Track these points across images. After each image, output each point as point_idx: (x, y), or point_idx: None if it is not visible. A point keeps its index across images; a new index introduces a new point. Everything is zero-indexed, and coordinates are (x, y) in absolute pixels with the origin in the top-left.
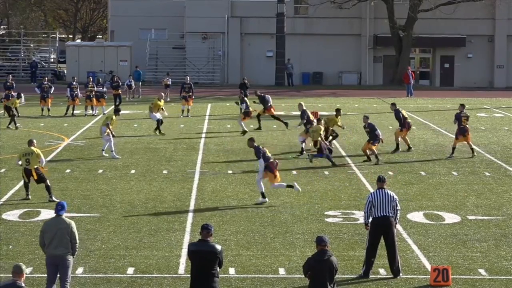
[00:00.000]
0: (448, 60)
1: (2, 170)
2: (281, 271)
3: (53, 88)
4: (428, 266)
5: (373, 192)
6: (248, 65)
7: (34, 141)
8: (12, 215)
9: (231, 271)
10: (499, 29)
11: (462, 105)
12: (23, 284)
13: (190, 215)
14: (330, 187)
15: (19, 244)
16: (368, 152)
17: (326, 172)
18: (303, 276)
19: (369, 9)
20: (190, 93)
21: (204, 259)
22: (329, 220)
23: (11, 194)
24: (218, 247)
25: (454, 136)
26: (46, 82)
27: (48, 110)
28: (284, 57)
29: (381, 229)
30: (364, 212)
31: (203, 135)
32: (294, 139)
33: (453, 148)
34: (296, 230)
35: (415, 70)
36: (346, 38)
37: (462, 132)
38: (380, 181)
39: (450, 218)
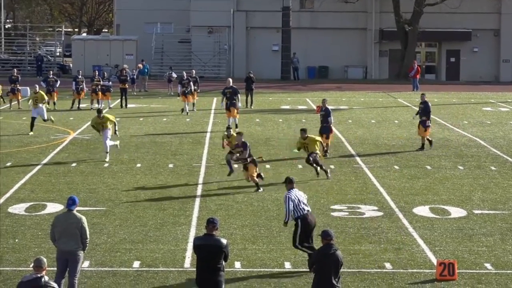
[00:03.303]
0: (454, 54)
1: (8, 164)
2: (287, 265)
3: (58, 82)
4: (434, 260)
5: (289, 193)
6: (254, 59)
7: None
8: (18, 209)
9: (237, 265)
10: (505, 23)
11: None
12: (46, 278)
13: (196, 209)
14: (336, 181)
15: (25, 238)
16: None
17: (332, 166)
18: (309, 270)
19: (375, 3)
20: (195, 87)
21: (210, 253)
22: (335, 214)
23: (17, 188)
24: (224, 241)
25: (461, 131)
26: (51, 76)
27: (54, 103)
28: (289, 51)
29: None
30: (287, 212)
31: (209, 128)
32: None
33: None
34: None
35: (421, 64)
36: (352, 32)
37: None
38: (291, 182)
39: (456, 212)
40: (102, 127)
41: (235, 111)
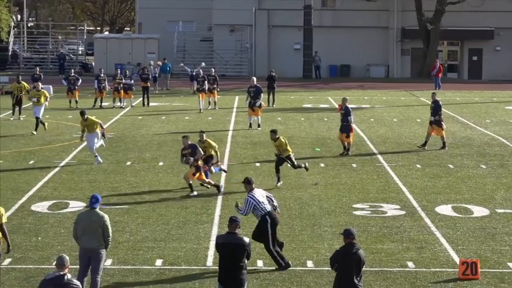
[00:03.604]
0: (476, 53)
1: (31, 162)
2: (309, 263)
3: (80, 80)
4: (457, 260)
5: (252, 195)
6: (276, 58)
7: None
8: (41, 207)
9: (259, 263)
10: None
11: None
12: (69, 276)
13: (218, 207)
14: (358, 180)
15: (47, 236)
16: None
17: (354, 165)
18: (331, 268)
19: (397, 1)
20: (215, 85)
21: (232, 251)
22: (357, 213)
23: (40, 186)
24: (246, 239)
25: (483, 129)
26: (73, 74)
27: (76, 102)
28: (311, 49)
29: (274, 222)
30: (246, 212)
31: (231, 127)
32: (321, 132)
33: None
34: (324, 223)
35: (443, 63)
36: (374, 31)
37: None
38: (249, 183)
39: (479, 211)
40: (88, 130)
41: (259, 110)
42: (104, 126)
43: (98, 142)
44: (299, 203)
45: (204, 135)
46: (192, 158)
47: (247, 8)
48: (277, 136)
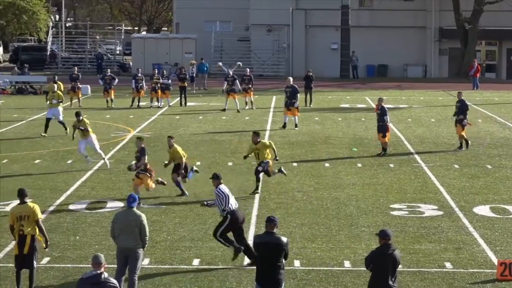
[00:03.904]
0: None
1: (69, 162)
2: (346, 263)
3: (116, 80)
4: (495, 260)
5: (221, 190)
6: (313, 58)
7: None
8: (79, 206)
9: (296, 263)
10: None
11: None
12: (106, 275)
13: (255, 207)
14: (396, 180)
15: (85, 235)
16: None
17: (392, 165)
18: (366, 268)
19: (434, 1)
20: (250, 85)
21: (270, 251)
22: (395, 213)
23: (78, 186)
24: (284, 239)
25: None
26: (108, 74)
27: (112, 101)
28: (348, 49)
29: (235, 221)
30: (226, 205)
31: (268, 127)
32: (359, 132)
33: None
34: (361, 223)
35: (481, 63)
36: (411, 31)
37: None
38: (218, 178)
39: None
40: (83, 133)
41: (295, 110)
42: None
43: (97, 146)
44: (336, 203)
45: (173, 140)
46: (133, 164)
47: (284, 8)
48: (259, 140)
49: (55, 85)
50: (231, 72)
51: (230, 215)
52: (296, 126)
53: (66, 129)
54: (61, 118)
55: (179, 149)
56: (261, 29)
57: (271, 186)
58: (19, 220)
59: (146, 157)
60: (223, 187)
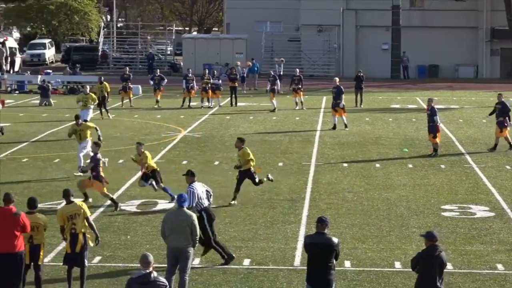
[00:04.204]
0: None
1: (120, 161)
2: (397, 264)
3: (165, 80)
4: None
5: (194, 188)
6: (363, 58)
7: None
8: (130, 206)
9: (347, 264)
10: None
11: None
12: (155, 274)
13: (306, 207)
14: (447, 180)
15: (136, 235)
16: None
17: (443, 166)
18: (412, 270)
19: (486, 1)
20: (300, 86)
21: (321, 251)
22: (446, 214)
23: (129, 185)
24: (335, 239)
25: None
26: (158, 74)
27: (157, 101)
28: (399, 49)
29: (210, 218)
30: (192, 203)
31: (319, 127)
32: (409, 133)
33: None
34: (412, 224)
35: None
36: (463, 31)
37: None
38: (192, 175)
39: None
40: (80, 136)
41: (342, 110)
42: (99, 131)
43: (86, 148)
44: (387, 203)
45: (142, 147)
46: (86, 167)
47: (335, 9)
48: (242, 146)
49: (88, 87)
50: (272, 72)
51: (204, 211)
52: (346, 126)
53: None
54: (88, 119)
55: (150, 156)
56: (311, 30)
57: (321, 186)
58: (70, 219)
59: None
60: (196, 184)
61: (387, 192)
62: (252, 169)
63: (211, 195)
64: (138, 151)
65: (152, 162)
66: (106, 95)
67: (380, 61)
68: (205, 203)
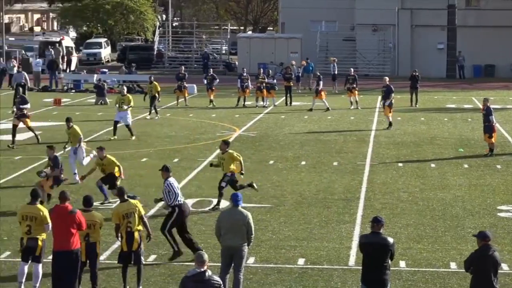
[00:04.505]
0: None
1: (175, 160)
2: (453, 265)
3: (217, 80)
4: None
5: (171, 183)
6: (419, 57)
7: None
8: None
9: (402, 264)
10: None
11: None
12: (210, 272)
13: (361, 207)
14: (503, 181)
15: (191, 233)
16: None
17: (499, 166)
18: (466, 271)
19: None
20: (354, 85)
21: (376, 251)
22: (502, 214)
23: (184, 184)
24: (390, 239)
25: None
26: (210, 74)
27: (211, 101)
28: (455, 49)
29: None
30: (172, 201)
31: (373, 127)
32: (465, 133)
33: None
34: (467, 224)
35: None
36: None
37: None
38: (167, 171)
39: None
40: (71, 142)
41: (387, 109)
42: (83, 143)
43: (85, 159)
44: (442, 204)
45: (104, 151)
46: (45, 172)
47: (390, 8)
48: (227, 149)
49: (125, 89)
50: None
51: (178, 208)
52: (389, 125)
53: (132, 134)
54: (128, 121)
55: (114, 159)
56: (366, 29)
57: (376, 186)
58: (126, 217)
59: (60, 169)
60: (172, 180)
61: (443, 192)
62: (235, 174)
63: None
64: (99, 156)
65: (115, 166)
66: (156, 94)
67: (435, 60)
68: (181, 199)
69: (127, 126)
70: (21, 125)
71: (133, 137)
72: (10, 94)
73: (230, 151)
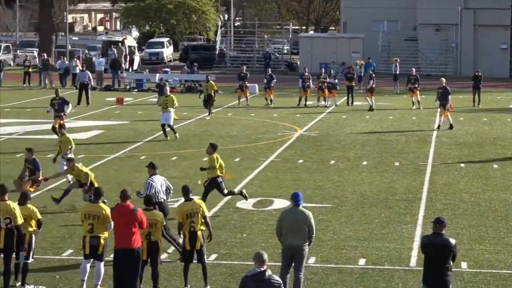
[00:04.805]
0: None
1: (237, 159)
2: None
3: (274, 80)
4: None
5: (153, 180)
6: (482, 57)
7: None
8: (246, 204)
9: (463, 265)
10: None
11: None
12: (270, 272)
13: (422, 207)
14: None
15: (252, 233)
16: None
17: None
18: None
19: None
20: (416, 85)
21: (438, 252)
22: None
23: (245, 183)
24: (452, 241)
25: None
26: (268, 74)
27: (270, 101)
28: None
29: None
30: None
31: (435, 127)
32: None
33: None
34: None
35: None
36: None
37: None
38: (154, 168)
39: None
40: (60, 150)
41: (444, 111)
42: (70, 153)
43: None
44: (505, 205)
45: (72, 163)
46: (27, 178)
47: (453, 8)
48: (212, 152)
49: (168, 89)
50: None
51: (158, 205)
52: (451, 127)
53: (175, 133)
54: (171, 122)
55: (84, 169)
56: (429, 29)
57: (438, 187)
58: (190, 217)
59: (39, 173)
60: (157, 177)
61: (505, 193)
62: (219, 178)
63: (170, 192)
64: (69, 167)
65: (85, 174)
66: (212, 93)
67: (498, 60)
68: (162, 197)
69: (170, 126)
70: (80, 124)
71: (176, 137)
72: (74, 93)
73: (215, 155)
